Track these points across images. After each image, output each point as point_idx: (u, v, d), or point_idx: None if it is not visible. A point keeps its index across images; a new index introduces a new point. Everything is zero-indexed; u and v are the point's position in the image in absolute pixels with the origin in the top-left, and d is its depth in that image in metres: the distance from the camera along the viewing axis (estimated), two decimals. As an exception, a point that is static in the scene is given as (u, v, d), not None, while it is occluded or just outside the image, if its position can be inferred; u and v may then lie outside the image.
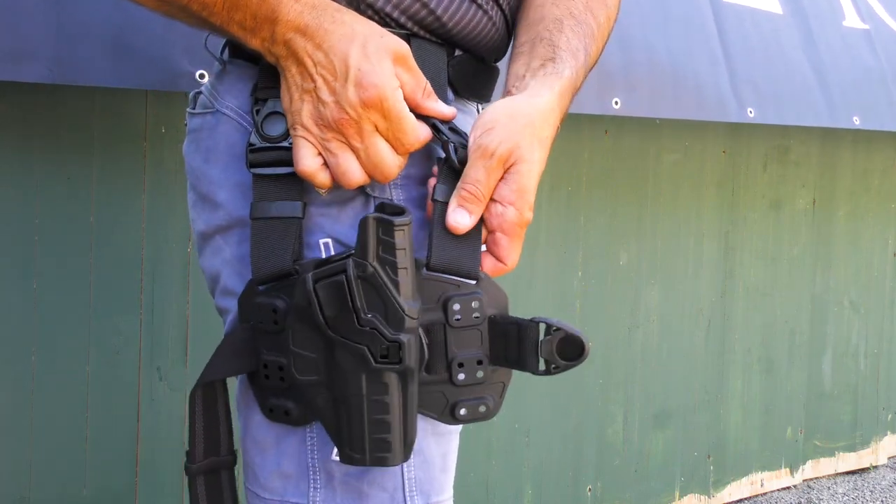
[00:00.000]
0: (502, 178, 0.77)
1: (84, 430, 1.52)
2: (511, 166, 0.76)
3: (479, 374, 0.80)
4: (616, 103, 1.92)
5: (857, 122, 2.40)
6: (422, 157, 0.82)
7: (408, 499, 0.81)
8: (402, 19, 0.82)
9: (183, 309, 1.61)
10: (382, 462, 0.76)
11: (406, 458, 0.77)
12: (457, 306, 0.78)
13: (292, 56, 0.74)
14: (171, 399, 1.61)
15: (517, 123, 0.76)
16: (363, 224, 0.73)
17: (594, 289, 2.29)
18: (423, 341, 0.77)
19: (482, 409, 0.81)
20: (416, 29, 0.83)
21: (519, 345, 0.79)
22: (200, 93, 0.91)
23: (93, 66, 1.33)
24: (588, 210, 2.27)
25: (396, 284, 0.73)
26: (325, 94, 0.73)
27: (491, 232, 0.79)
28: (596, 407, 2.33)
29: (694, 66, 2.05)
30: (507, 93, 0.83)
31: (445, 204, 0.77)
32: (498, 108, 0.78)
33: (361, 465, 0.76)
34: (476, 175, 0.75)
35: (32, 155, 1.45)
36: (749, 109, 2.15)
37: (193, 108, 0.90)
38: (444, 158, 0.78)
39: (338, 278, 0.73)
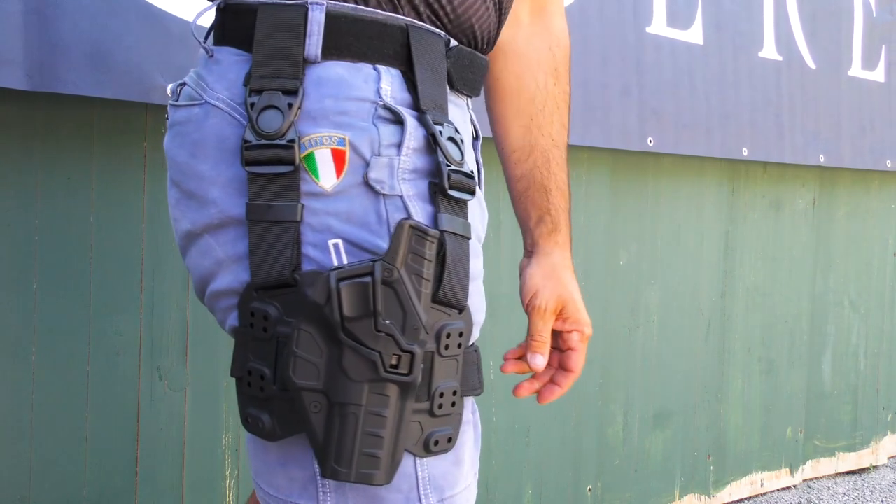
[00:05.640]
0: (560, 318, 0.99)
1: (84, 430, 1.52)
2: (563, 309, 0.99)
3: (454, 403, 0.80)
4: None
5: (745, 153, 2.52)
6: (428, 151, 0.80)
7: (422, 498, 0.80)
8: (416, 1, 0.81)
9: (183, 309, 1.60)
10: (368, 479, 0.74)
11: (389, 479, 0.75)
12: (448, 336, 0.77)
13: None
14: (171, 399, 1.61)
15: (550, 281, 1.00)
16: (398, 229, 0.72)
17: (594, 289, 2.29)
18: (420, 366, 0.76)
19: (449, 440, 0.80)
20: (427, 13, 0.82)
21: (478, 371, 0.82)
22: (184, 84, 0.87)
23: (70, 76, 1.35)
24: (588, 210, 2.27)
25: (419, 295, 0.72)
26: None
27: (565, 350, 1.00)
28: (596, 407, 2.33)
29: (606, 96, 2.16)
30: (527, 252, 1.04)
31: (454, 235, 0.79)
32: (534, 276, 1.01)
33: (346, 480, 0.74)
34: (537, 328, 0.98)
35: (32, 155, 1.45)
36: (649, 139, 2.26)
37: (177, 100, 0.86)
38: (438, 183, 0.79)
39: (363, 279, 0.72)
